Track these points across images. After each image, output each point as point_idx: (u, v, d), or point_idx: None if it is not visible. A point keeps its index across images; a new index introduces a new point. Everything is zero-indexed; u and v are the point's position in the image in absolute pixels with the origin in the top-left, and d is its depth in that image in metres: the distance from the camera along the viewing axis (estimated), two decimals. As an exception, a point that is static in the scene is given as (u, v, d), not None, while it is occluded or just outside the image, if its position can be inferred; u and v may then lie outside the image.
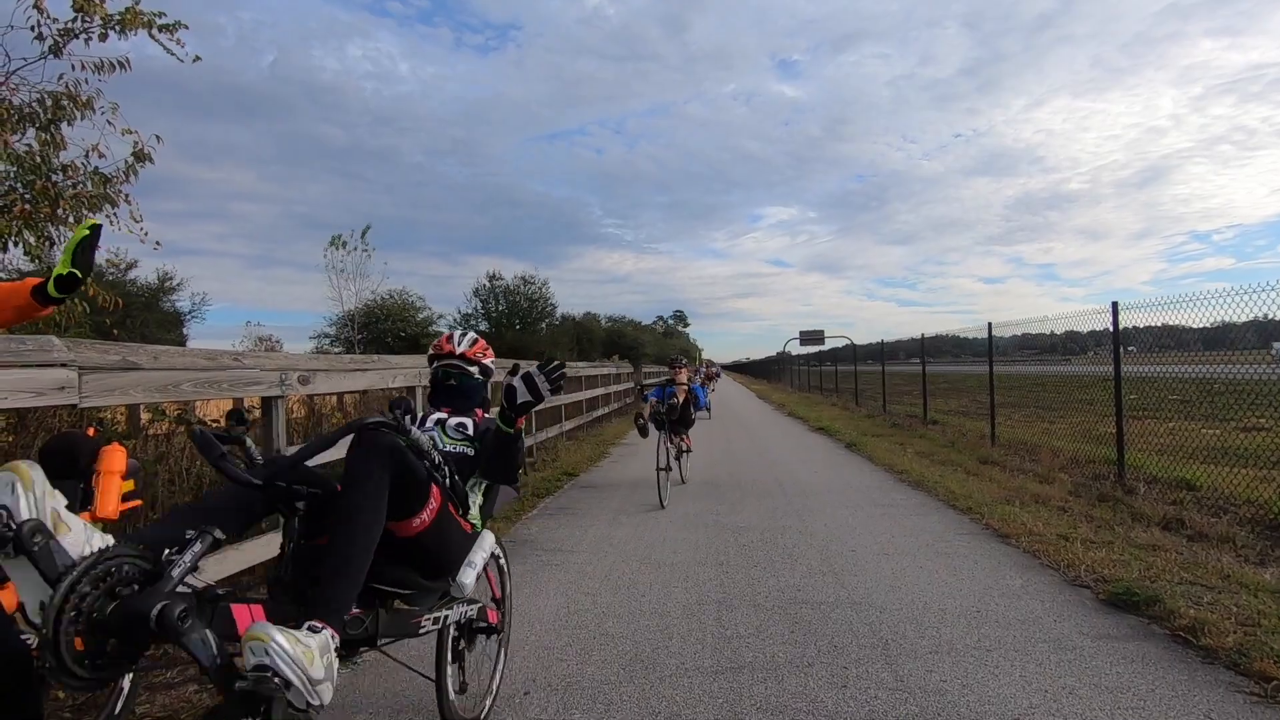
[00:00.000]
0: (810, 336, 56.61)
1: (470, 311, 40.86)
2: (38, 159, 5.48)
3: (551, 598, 3.82)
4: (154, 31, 5.68)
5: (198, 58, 5.91)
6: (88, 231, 1.87)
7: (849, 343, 22.09)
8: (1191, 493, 5.94)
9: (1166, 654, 2.98)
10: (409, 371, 5.61)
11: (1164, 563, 4.14)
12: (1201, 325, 6.00)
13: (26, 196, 5.30)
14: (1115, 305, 6.56)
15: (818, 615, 3.48)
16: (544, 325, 41.94)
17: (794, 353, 44.44)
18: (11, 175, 5.46)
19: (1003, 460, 8.36)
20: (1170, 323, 6.45)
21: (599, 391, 15.14)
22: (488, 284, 41.10)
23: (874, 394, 16.82)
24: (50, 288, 1.83)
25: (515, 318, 40.81)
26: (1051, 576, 4.07)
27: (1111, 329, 6.60)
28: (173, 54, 5.80)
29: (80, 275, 1.84)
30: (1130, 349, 7.09)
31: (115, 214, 5.70)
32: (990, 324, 9.86)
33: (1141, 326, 6.65)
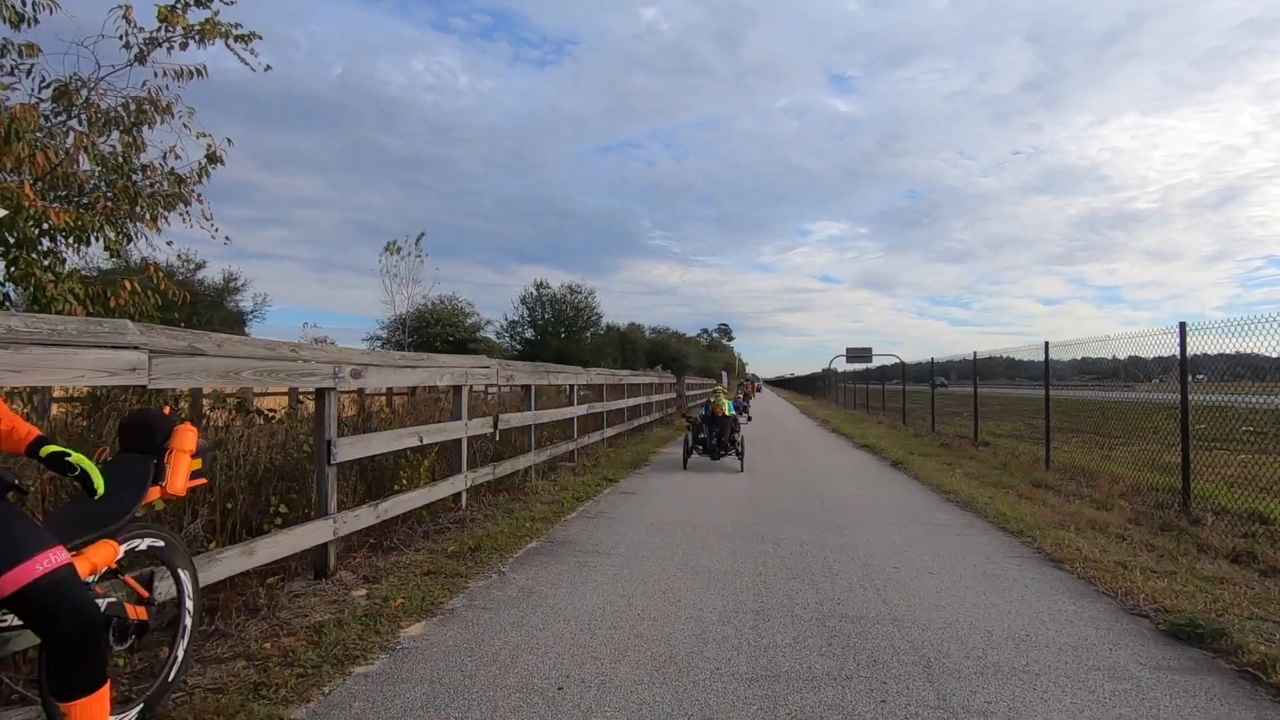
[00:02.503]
0: (857, 353, 55.39)
1: (517, 319, 41.52)
2: (120, 160, 5.81)
3: (588, 598, 3.83)
4: (230, 41, 5.97)
5: (268, 67, 6.20)
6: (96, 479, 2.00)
7: (897, 361, 21.57)
8: (1265, 526, 5.59)
9: (1233, 690, 2.80)
10: (455, 371, 5.73)
11: (1232, 596, 3.91)
12: (1280, 354, 5.66)
13: (109, 195, 5.63)
14: (1183, 326, 6.26)
15: (857, 629, 3.39)
16: (589, 334, 42.28)
17: (840, 369, 43.56)
18: (96, 175, 5.80)
19: (1057, 485, 8.04)
20: (1244, 350, 6.11)
21: (640, 400, 15.15)
22: (535, 292, 41.72)
23: (922, 414, 16.39)
24: (41, 451, 1.96)
25: (561, 326, 41.24)
26: (1108, 604, 3.89)
27: (1179, 353, 6.29)
28: (246, 63, 6.10)
29: (61, 473, 1.98)
30: (1199, 376, 6.75)
31: (188, 212, 6.00)
32: (1047, 344, 9.53)
33: (1213, 354, 6.32)
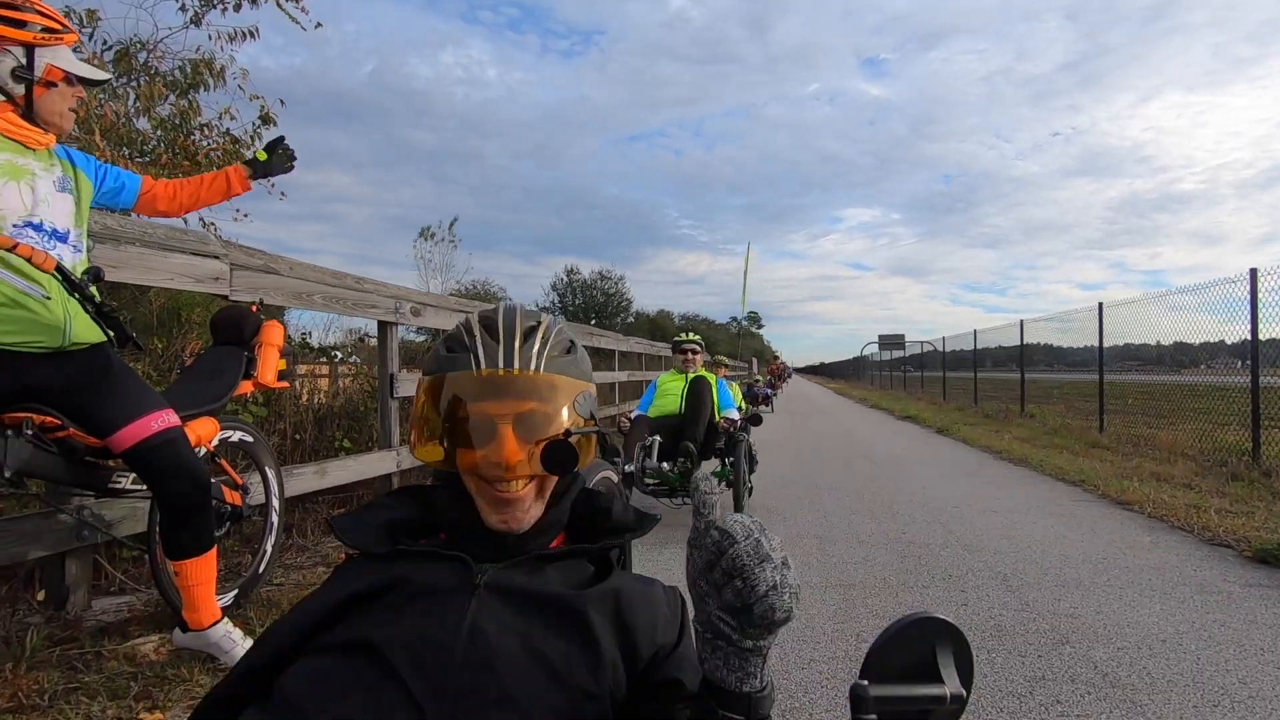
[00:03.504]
0: (890, 340, 54.30)
1: (548, 305, 41.76)
2: (178, 120, 5.96)
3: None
4: (282, 1, 6.07)
5: (319, 25, 6.28)
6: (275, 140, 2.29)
7: (933, 347, 21.14)
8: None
9: (1333, 602, 2.69)
10: (506, 322, 5.79)
11: (1319, 529, 3.76)
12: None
13: (170, 152, 5.78)
14: (1254, 272, 6.02)
15: (927, 553, 3.35)
16: (619, 320, 42.37)
17: (873, 358, 43.01)
18: (156, 136, 5.96)
19: (1114, 446, 7.81)
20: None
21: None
22: (565, 278, 41.92)
23: (961, 392, 16.07)
24: (259, 154, 2.24)
25: (591, 312, 41.39)
26: (1184, 536, 3.77)
27: (1250, 299, 6.06)
28: (296, 21, 6.18)
29: (269, 161, 2.24)
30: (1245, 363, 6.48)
31: (243, 171, 6.14)
32: (1101, 304, 9.26)
33: (1264, 339, 6.01)
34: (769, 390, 14.60)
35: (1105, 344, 9.41)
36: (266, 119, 6.25)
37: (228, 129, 6.18)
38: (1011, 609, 2.56)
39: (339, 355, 5.56)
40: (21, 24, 1.57)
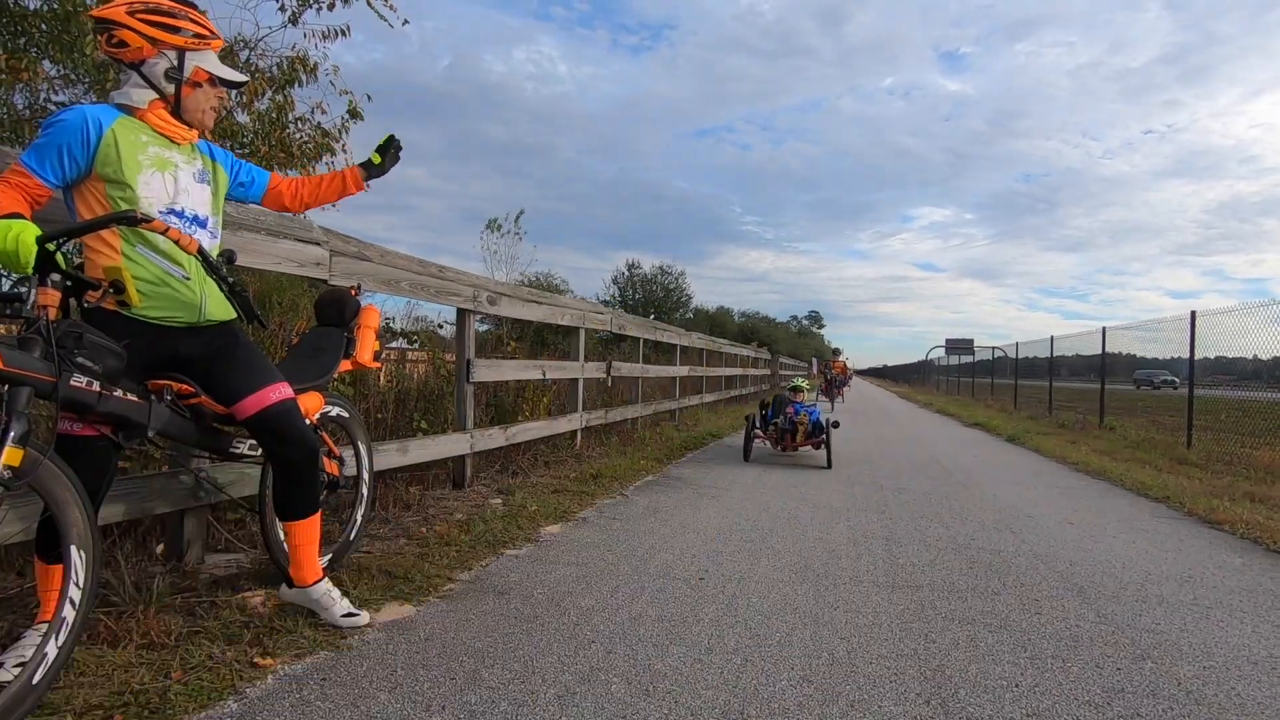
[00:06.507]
0: (958, 345, 52.16)
1: (609, 299, 42.09)
2: (274, 115, 6.32)
3: (712, 518, 3.88)
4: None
5: (406, 21, 6.55)
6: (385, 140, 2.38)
7: (1004, 353, 20.29)
8: None
9: None
10: (573, 313, 5.92)
11: None
12: None
13: (267, 144, 6.14)
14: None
15: (998, 560, 3.28)
16: (678, 315, 42.38)
17: (938, 361, 41.55)
18: (252, 130, 6.34)
19: (1203, 464, 7.39)
20: None
21: (736, 372, 15.10)
22: (626, 272, 42.18)
23: (1034, 400, 15.40)
24: (373, 156, 2.33)
25: (651, 307, 41.50)
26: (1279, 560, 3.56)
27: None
28: (384, 19, 6.46)
29: (383, 162, 2.34)
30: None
31: (333, 163, 6.47)
32: (1194, 313, 8.74)
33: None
34: (817, 413, 6.67)
35: (1195, 355, 8.88)
36: (354, 113, 6.57)
37: (319, 123, 6.53)
38: (1088, 620, 2.49)
39: (418, 342, 5.81)
40: (176, 29, 1.74)
